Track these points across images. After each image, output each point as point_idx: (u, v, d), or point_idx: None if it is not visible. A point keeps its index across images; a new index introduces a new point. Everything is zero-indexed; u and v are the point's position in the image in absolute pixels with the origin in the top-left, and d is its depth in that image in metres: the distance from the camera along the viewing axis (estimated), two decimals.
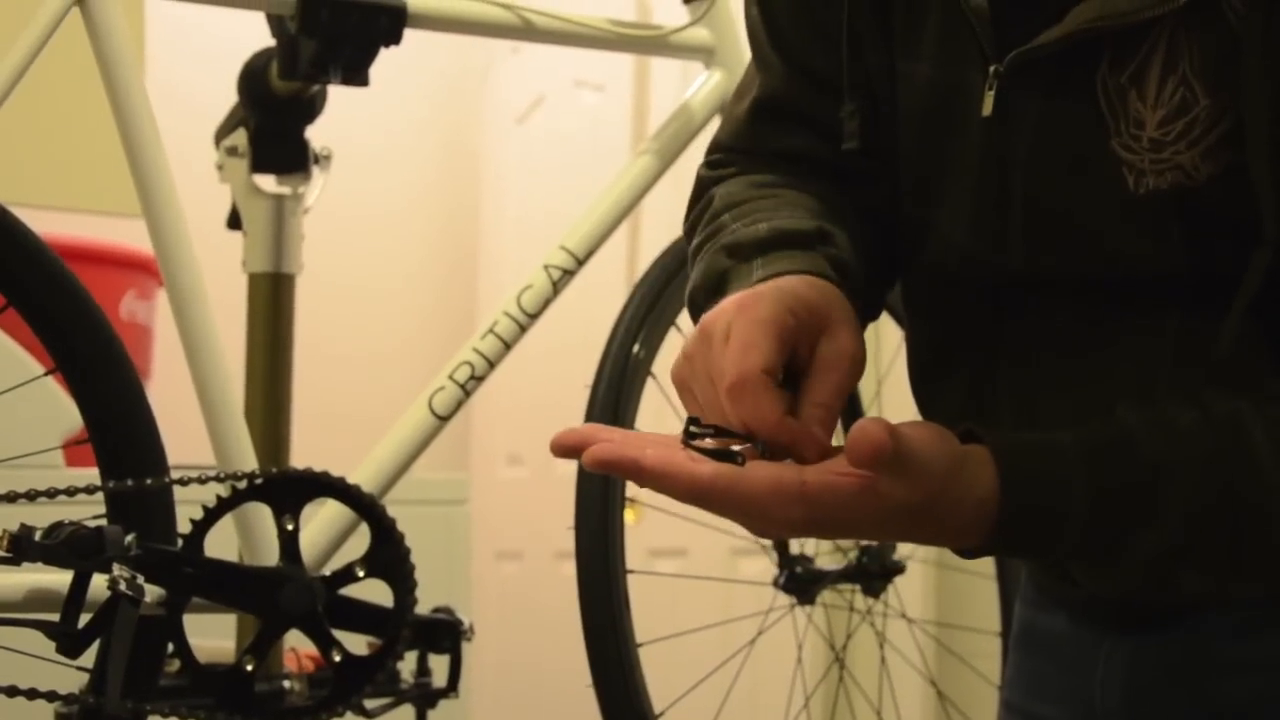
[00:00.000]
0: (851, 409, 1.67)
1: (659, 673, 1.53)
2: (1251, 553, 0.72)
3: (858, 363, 0.76)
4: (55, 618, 1.16)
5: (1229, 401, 0.73)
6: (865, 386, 1.71)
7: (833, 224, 0.85)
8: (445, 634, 1.45)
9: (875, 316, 0.93)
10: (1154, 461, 0.71)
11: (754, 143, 0.93)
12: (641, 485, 0.69)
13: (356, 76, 1.49)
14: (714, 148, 0.96)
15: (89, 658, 1.18)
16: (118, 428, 1.25)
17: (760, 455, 0.71)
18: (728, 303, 0.76)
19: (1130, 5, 0.75)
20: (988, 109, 0.80)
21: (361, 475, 1.43)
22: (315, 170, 1.62)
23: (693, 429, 0.73)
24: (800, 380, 0.75)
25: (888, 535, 0.73)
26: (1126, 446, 0.72)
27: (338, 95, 1.59)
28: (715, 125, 1.65)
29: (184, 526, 1.25)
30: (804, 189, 0.89)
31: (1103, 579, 0.84)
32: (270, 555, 1.35)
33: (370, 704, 1.40)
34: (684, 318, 1.61)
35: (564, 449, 0.71)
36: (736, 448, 0.71)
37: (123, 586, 1.15)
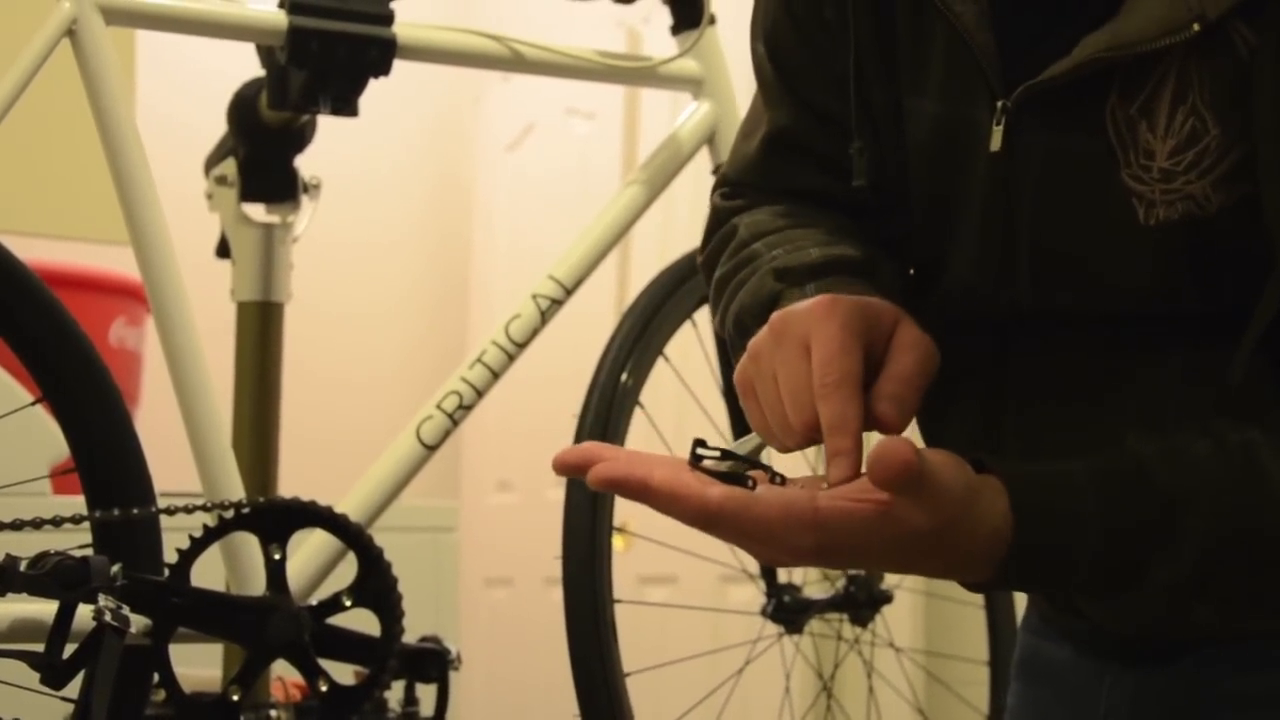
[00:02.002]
0: None
1: (647, 702, 1.52)
2: (1267, 584, 0.72)
3: (933, 350, 0.76)
4: (40, 648, 1.16)
5: (1241, 431, 0.72)
6: None
7: (876, 254, 0.86)
8: (432, 663, 1.45)
9: None
10: (1168, 492, 0.71)
11: (766, 179, 0.93)
12: (649, 506, 0.68)
13: (346, 107, 1.49)
14: (724, 180, 0.96)
15: (74, 688, 1.17)
16: (104, 457, 1.25)
17: (770, 480, 0.70)
18: (804, 305, 0.76)
19: (1139, 36, 0.75)
20: (996, 144, 0.80)
21: (349, 504, 1.43)
22: (304, 199, 1.63)
23: (700, 451, 0.71)
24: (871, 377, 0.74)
25: (898, 565, 0.71)
26: (1140, 477, 0.71)
27: (327, 124, 1.60)
28: (703, 155, 1.67)
29: (171, 555, 1.25)
30: (829, 220, 0.89)
31: (1115, 612, 0.83)
32: (257, 585, 1.34)
33: None
34: (672, 347, 1.61)
35: (566, 467, 0.70)
36: (747, 471, 0.70)
37: (108, 617, 1.15)
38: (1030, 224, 0.81)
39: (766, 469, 0.72)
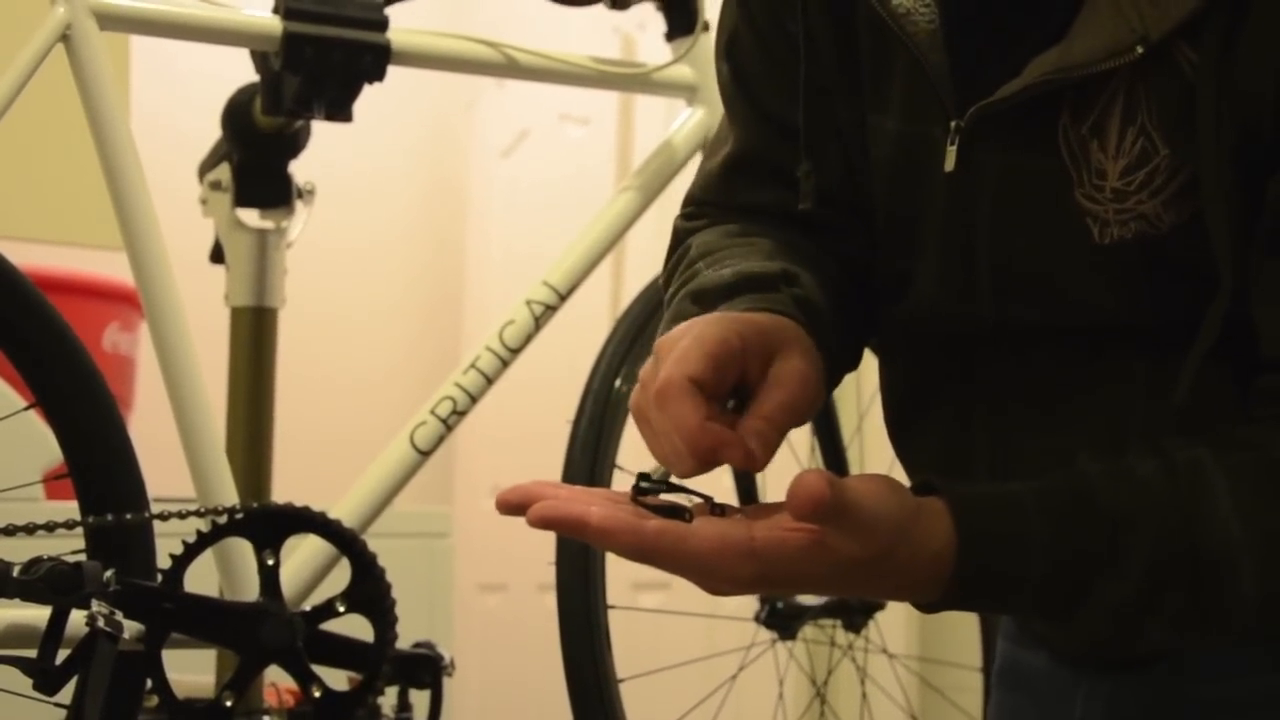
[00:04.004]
0: (832, 444, 1.67)
1: (641, 708, 1.52)
2: (1213, 606, 0.72)
3: (809, 383, 0.76)
4: (33, 654, 1.16)
5: (1190, 450, 0.72)
6: (847, 421, 1.71)
7: (800, 266, 0.85)
8: (426, 669, 1.45)
9: (854, 366, 0.93)
10: (1113, 513, 0.71)
11: (726, 197, 0.94)
12: (588, 542, 0.68)
13: (340, 113, 1.50)
14: (688, 201, 0.96)
15: (67, 694, 1.17)
16: (98, 462, 1.25)
17: (710, 512, 0.70)
18: (680, 327, 0.77)
19: (1086, 58, 0.75)
20: (950, 164, 0.81)
21: (343, 510, 1.43)
22: (299, 205, 1.63)
23: (643, 484, 0.72)
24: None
25: (842, 590, 0.72)
26: (1086, 500, 0.71)
27: (322, 129, 1.60)
28: (698, 162, 1.67)
29: (164, 561, 1.25)
30: (776, 236, 0.89)
31: (1066, 632, 0.83)
32: (250, 590, 1.34)
33: None
34: None
35: (508, 507, 0.70)
36: (685, 504, 0.70)
37: (101, 623, 1.15)
38: (989, 242, 0.81)
39: (708, 499, 0.72)
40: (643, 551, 0.67)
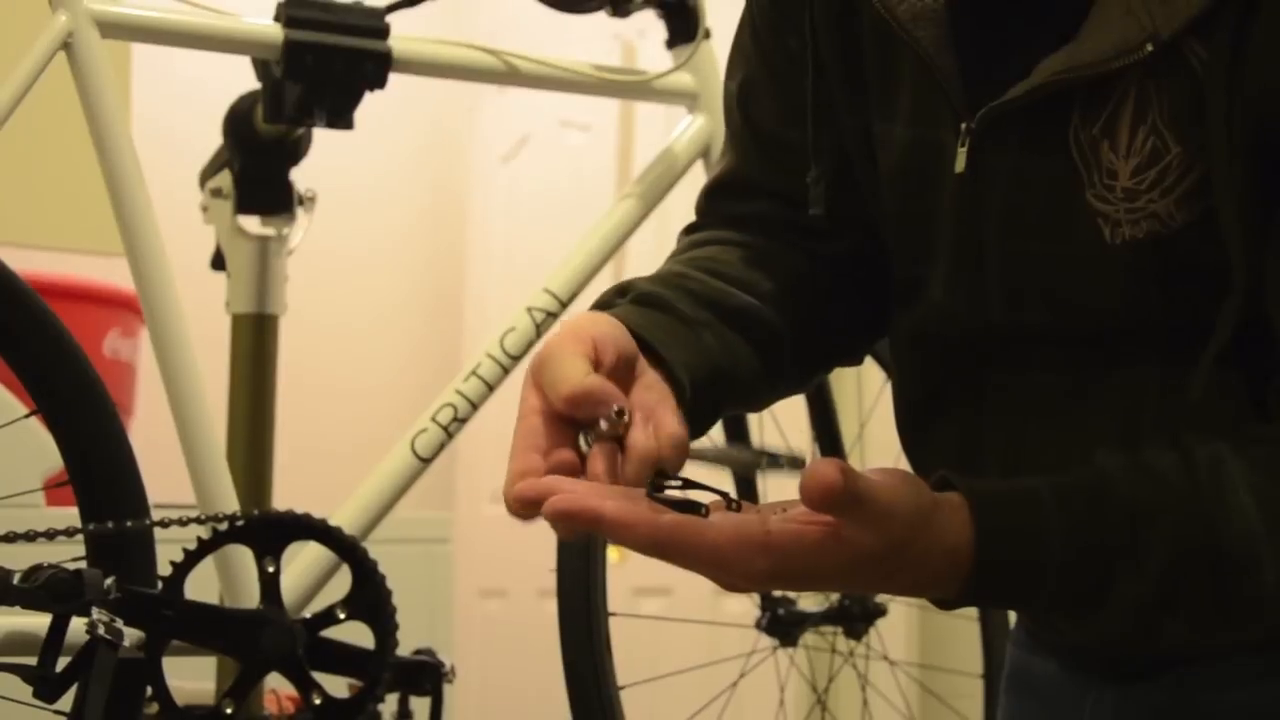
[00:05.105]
0: (834, 452, 1.67)
1: (642, 715, 1.52)
2: (1235, 599, 0.72)
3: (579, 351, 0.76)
4: (33, 661, 1.16)
5: (1208, 445, 0.72)
6: (847, 430, 1.71)
7: (699, 271, 0.87)
8: (426, 676, 1.45)
9: (858, 361, 0.94)
10: (1132, 508, 0.71)
11: (708, 214, 0.96)
12: (604, 536, 0.68)
13: (341, 120, 1.50)
14: (696, 211, 0.98)
15: (67, 701, 1.17)
16: (98, 470, 1.25)
17: (727, 506, 0.70)
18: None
19: (1095, 57, 0.76)
20: (960, 166, 0.81)
21: (343, 517, 1.43)
22: (300, 212, 1.63)
23: (659, 480, 0.72)
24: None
25: (858, 585, 0.71)
26: (1104, 493, 0.71)
27: (323, 136, 1.60)
28: (698, 170, 1.67)
29: (165, 568, 1.25)
30: (738, 241, 0.90)
31: (1085, 628, 0.83)
32: (251, 597, 1.34)
33: None
34: None
35: (524, 502, 0.70)
36: (702, 500, 0.70)
37: (101, 630, 1.15)
38: (999, 244, 0.81)
39: (724, 495, 0.71)
40: (658, 545, 0.66)
